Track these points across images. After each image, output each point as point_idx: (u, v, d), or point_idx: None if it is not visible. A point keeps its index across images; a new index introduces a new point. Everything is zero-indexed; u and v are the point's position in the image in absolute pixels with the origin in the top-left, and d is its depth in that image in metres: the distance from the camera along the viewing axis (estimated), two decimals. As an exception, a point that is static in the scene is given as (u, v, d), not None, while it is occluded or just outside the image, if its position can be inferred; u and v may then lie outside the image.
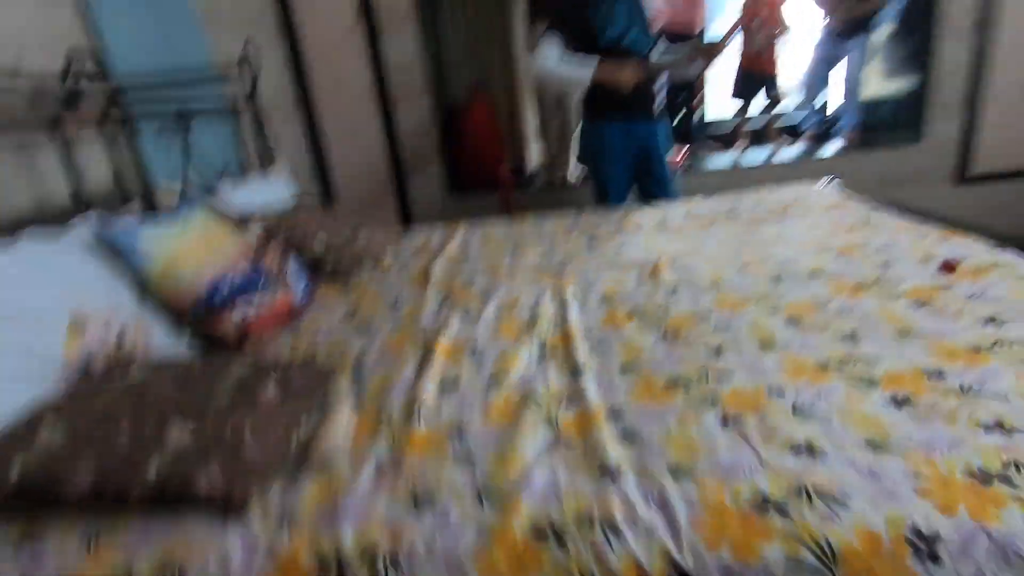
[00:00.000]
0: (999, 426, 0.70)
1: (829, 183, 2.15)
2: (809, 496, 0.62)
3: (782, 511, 0.61)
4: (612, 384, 0.93)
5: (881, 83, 2.99)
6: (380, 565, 0.62)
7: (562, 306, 1.27)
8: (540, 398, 0.91)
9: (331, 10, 2.56)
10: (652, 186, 2.31)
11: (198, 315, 1.19)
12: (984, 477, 0.62)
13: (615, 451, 0.75)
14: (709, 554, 0.58)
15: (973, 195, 2.78)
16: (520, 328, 1.19)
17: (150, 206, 1.42)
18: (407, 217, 2.88)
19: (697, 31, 3.01)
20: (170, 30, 1.72)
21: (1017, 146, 2.71)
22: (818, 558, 0.57)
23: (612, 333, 1.13)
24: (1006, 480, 0.61)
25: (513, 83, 3.04)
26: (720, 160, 3.00)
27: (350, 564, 0.63)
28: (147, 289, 1.17)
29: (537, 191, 2.95)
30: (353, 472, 0.77)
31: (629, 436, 0.79)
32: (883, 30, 2.89)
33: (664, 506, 0.64)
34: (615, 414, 0.84)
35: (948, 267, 1.21)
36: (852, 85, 2.94)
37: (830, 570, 0.56)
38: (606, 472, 0.71)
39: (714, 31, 3.07)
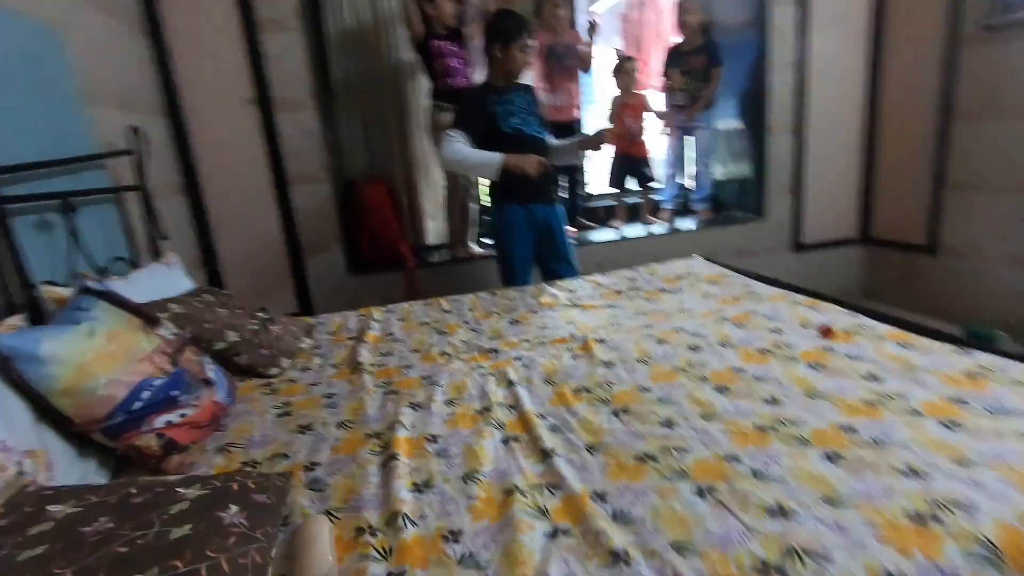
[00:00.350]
0: (913, 472, 0.86)
1: (703, 258, 2.45)
2: (799, 556, 0.71)
3: (783, 573, 0.69)
4: (585, 466, 0.98)
5: (731, 168, 3.52)
6: None
7: (510, 388, 1.31)
8: (522, 489, 0.92)
9: (220, 89, 2.49)
10: (555, 264, 2.47)
11: (115, 429, 1.04)
12: (920, 519, 0.75)
13: (615, 534, 0.79)
14: (735, 626, 0.64)
15: (806, 261, 3.33)
16: (475, 416, 1.20)
17: (35, 309, 1.23)
18: (305, 301, 2.76)
19: (575, 119, 3.36)
20: (51, 110, 1.56)
21: (830, 221, 3.32)
22: (820, 612, 0.65)
23: (566, 413, 1.18)
24: (936, 519, 0.75)
25: (410, 162, 3.13)
26: (602, 235, 3.29)
27: None
28: (49, 405, 1.01)
29: (438, 268, 2.99)
30: (356, 597, 0.72)
31: (621, 517, 0.83)
32: (723, 124, 3.46)
33: (682, 584, 0.69)
34: (599, 496, 0.89)
35: (825, 332, 1.45)
36: (701, 168, 3.44)
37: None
38: (617, 557, 0.74)
39: (587, 119, 3.45)
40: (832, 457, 0.92)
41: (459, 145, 2.18)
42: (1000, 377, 1.13)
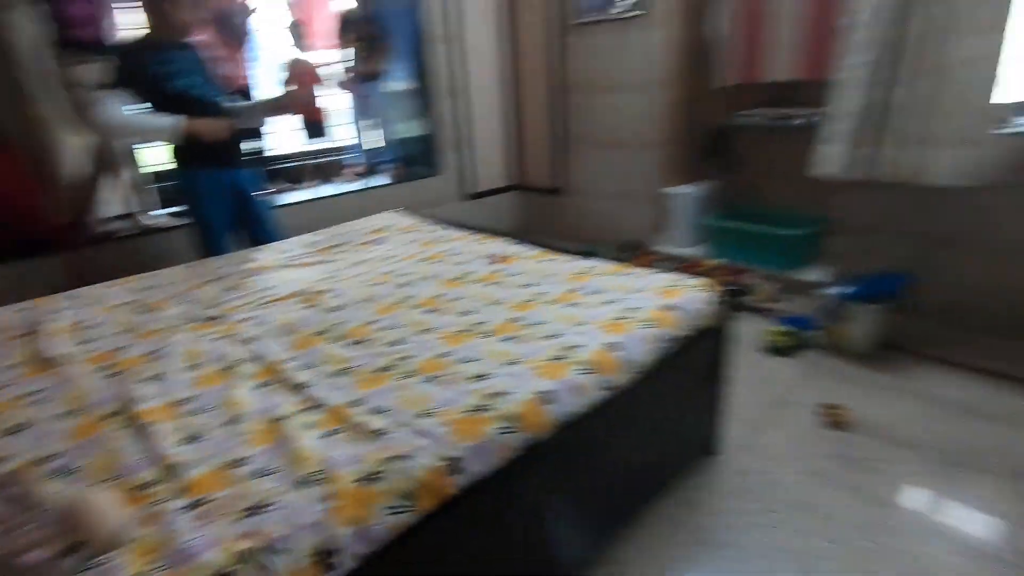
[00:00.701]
0: (553, 335, 1.34)
1: (400, 211, 2.78)
2: (498, 395, 1.09)
3: (491, 408, 1.06)
4: (337, 386, 1.20)
5: (412, 128, 3.89)
6: (265, 561, 0.77)
7: (248, 345, 1.41)
8: (288, 415, 1.10)
9: None
10: (254, 228, 2.47)
11: None
12: (557, 359, 1.23)
13: (375, 421, 1.05)
14: (462, 447, 0.98)
15: (477, 206, 3.99)
16: (221, 375, 1.28)
17: None
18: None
19: (243, 83, 3.25)
20: None
21: (492, 173, 4.03)
22: (508, 422, 1.04)
23: (310, 353, 1.36)
24: (564, 358, 1.23)
25: (37, 122, 2.59)
26: (296, 196, 3.33)
27: (234, 572, 0.75)
28: None
29: (118, 244, 2.62)
30: (169, 526, 0.82)
31: (376, 411, 1.09)
32: (398, 86, 3.78)
33: (427, 434, 1.00)
34: (355, 403, 1.13)
35: (497, 258, 1.93)
36: (381, 128, 3.74)
37: (516, 431, 1.05)
38: (378, 433, 1.01)
39: (256, 83, 3.36)
40: (509, 339, 1.35)
41: (122, 109, 1.98)
42: (597, 272, 1.76)
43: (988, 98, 2.04)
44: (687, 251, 3.24)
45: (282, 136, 3.60)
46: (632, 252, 3.26)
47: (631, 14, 3.12)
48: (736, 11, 2.90)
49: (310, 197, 3.31)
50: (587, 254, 2.01)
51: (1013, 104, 2.26)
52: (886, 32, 2.17)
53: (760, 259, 2.92)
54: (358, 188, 3.54)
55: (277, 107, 2.51)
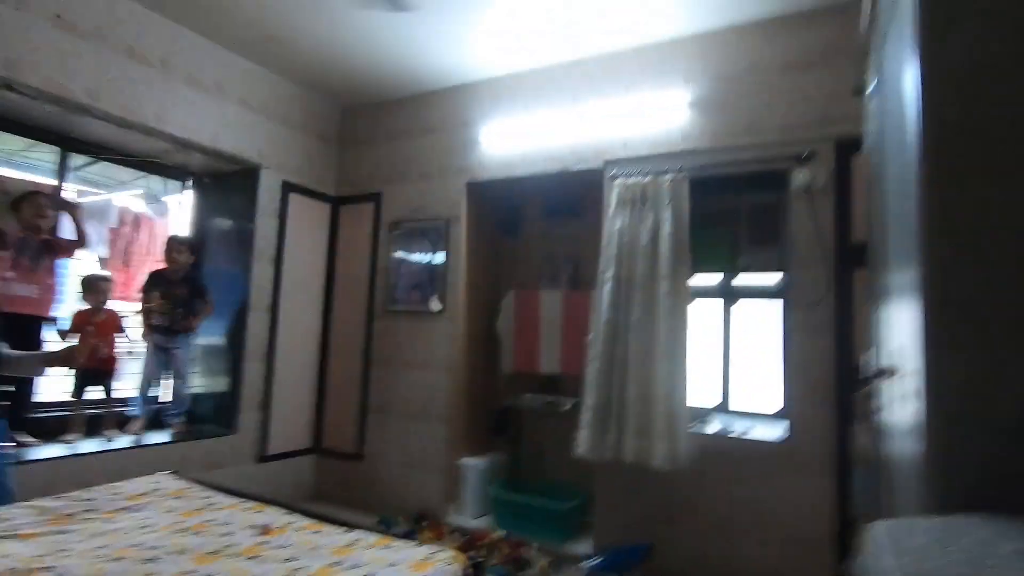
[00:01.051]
0: (297, 614, 1.35)
1: (170, 474, 2.61)
2: None
3: None
4: None
5: (209, 383, 3.83)
6: None
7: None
8: None
9: None
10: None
11: None
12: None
13: None
14: None
15: (269, 469, 3.81)
16: None
17: None
18: None
19: (49, 315, 3.12)
20: None
21: (291, 435, 4.00)
22: None
23: (-3, 649, 1.18)
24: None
25: None
26: (51, 450, 2.96)
27: None
28: None
29: None
30: None
31: None
32: (203, 341, 3.83)
33: None
34: None
35: (265, 530, 1.90)
36: (178, 382, 3.63)
37: None
38: None
39: (62, 312, 3.25)
40: (249, 620, 1.32)
41: None
42: (363, 544, 1.82)
43: (683, 403, 2.76)
44: (475, 522, 3.36)
45: (51, 380, 3.31)
46: (422, 523, 3.29)
47: (435, 309, 3.77)
48: (516, 317, 3.68)
49: (69, 452, 2.95)
50: (385, 525, 2.06)
51: (702, 409, 3.06)
52: (611, 349, 2.92)
53: (537, 532, 3.14)
54: (135, 443, 3.25)
55: (64, 360, 2.42)
